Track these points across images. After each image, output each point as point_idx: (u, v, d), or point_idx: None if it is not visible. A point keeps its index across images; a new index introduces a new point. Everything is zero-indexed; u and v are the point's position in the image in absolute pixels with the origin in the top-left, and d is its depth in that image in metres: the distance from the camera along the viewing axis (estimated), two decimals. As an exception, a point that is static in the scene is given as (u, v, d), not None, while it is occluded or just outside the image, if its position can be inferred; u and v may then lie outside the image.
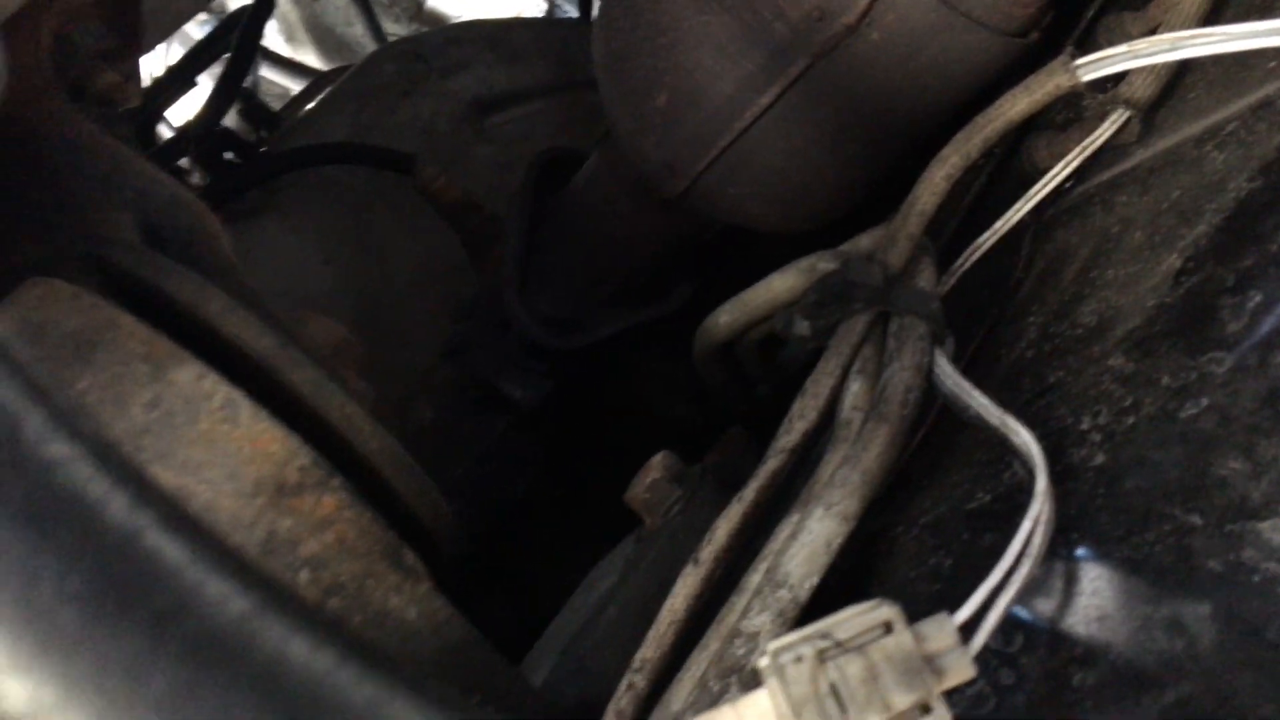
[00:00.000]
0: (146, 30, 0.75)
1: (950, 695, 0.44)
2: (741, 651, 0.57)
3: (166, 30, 0.93)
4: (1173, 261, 0.63)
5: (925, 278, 0.68)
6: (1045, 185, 0.75)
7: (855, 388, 0.66)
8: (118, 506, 0.22)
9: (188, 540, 0.22)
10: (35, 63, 0.61)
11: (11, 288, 0.57)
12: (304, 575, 0.49)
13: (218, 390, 0.49)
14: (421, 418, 1.21)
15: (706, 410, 1.08)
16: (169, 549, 0.22)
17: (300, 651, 0.22)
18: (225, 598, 0.22)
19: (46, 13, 0.62)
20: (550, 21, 1.95)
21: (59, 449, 0.23)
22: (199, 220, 0.62)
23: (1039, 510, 0.52)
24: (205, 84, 1.49)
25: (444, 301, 1.25)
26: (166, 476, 0.47)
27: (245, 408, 0.50)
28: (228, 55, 1.38)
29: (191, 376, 0.49)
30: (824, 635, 0.43)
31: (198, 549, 0.22)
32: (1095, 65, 0.65)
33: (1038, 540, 0.51)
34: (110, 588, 0.21)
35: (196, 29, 1.85)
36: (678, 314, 1.11)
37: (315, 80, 1.70)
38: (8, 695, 0.20)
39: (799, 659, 0.42)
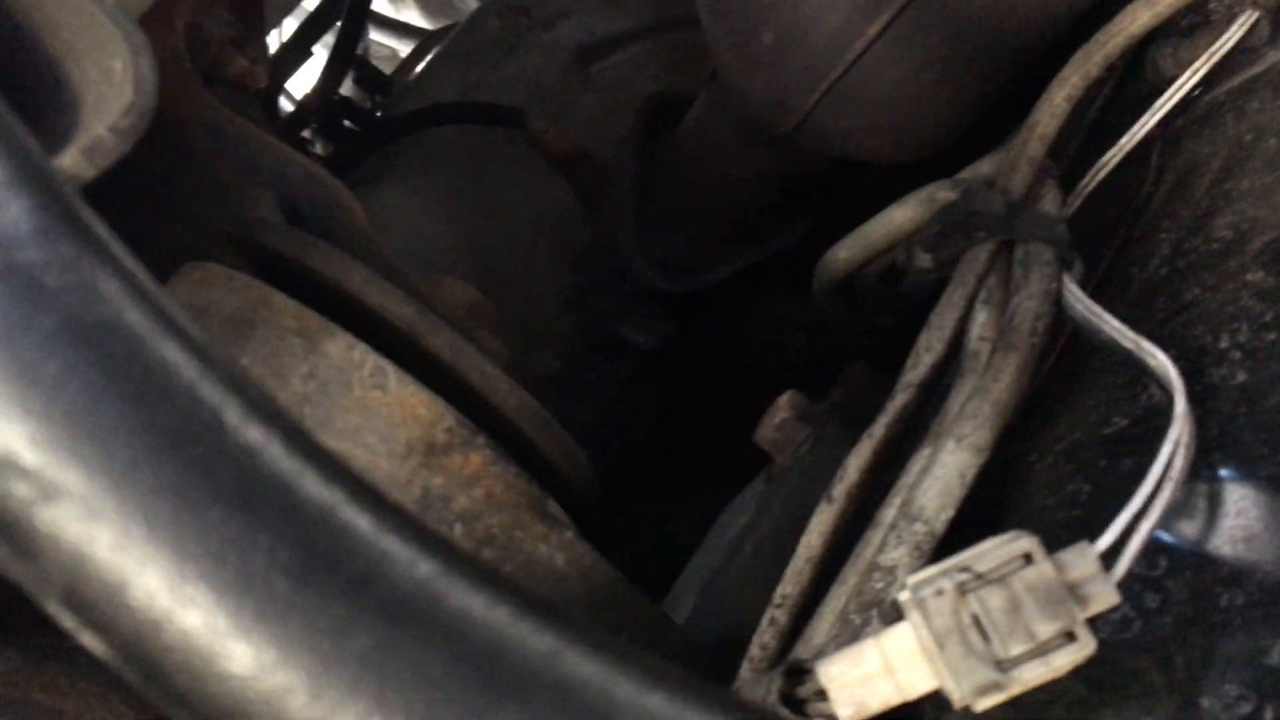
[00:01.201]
0: (269, 9, 0.78)
1: (1094, 621, 0.45)
2: (880, 585, 0.58)
3: (285, 9, 0.96)
4: (1312, 168, 0.61)
5: (1049, 201, 0.67)
6: (1172, 95, 0.72)
7: (982, 318, 0.65)
8: (313, 484, 0.24)
9: (375, 511, 0.25)
10: (172, 54, 0.65)
11: (166, 269, 0.61)
12: (458, 529, 0.52)
13: (367, 359, 0.52)
14: (546, 368, 1.24)
15: (826, 345, 1.08)
16: (359, 520, 0.24)
17: (480, 608, 0.24)
18: (411, 562, 0.24)
19: (178, 5, 0.66)
20: (647, -38, 1.93)
21: (257, 434, 0.25)
22: (334, 195, 0.65)
23: (1179, 433, 0.51)
24: (319, 53, 1.53)
25: (563, 252, 1.27)
26: (328, 443, 0.50)
27: (393, 374, 0.53)
28: (339, 24, 1.41)
29: (342, 347, 0.52)
30: (963, 568, 0.44)
31: (383, 519, 0.25)
32: (1222, -30, 0.62)
33: (1179, 463, 0.50)
34: (313, 557, 0.23)
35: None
36: (794, 250, 1.11)
37: (423, 41, 1.73)
38: (234, 656, 0.23)
39: (940, 592, 0.43)
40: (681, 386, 1.22)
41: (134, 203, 0.66)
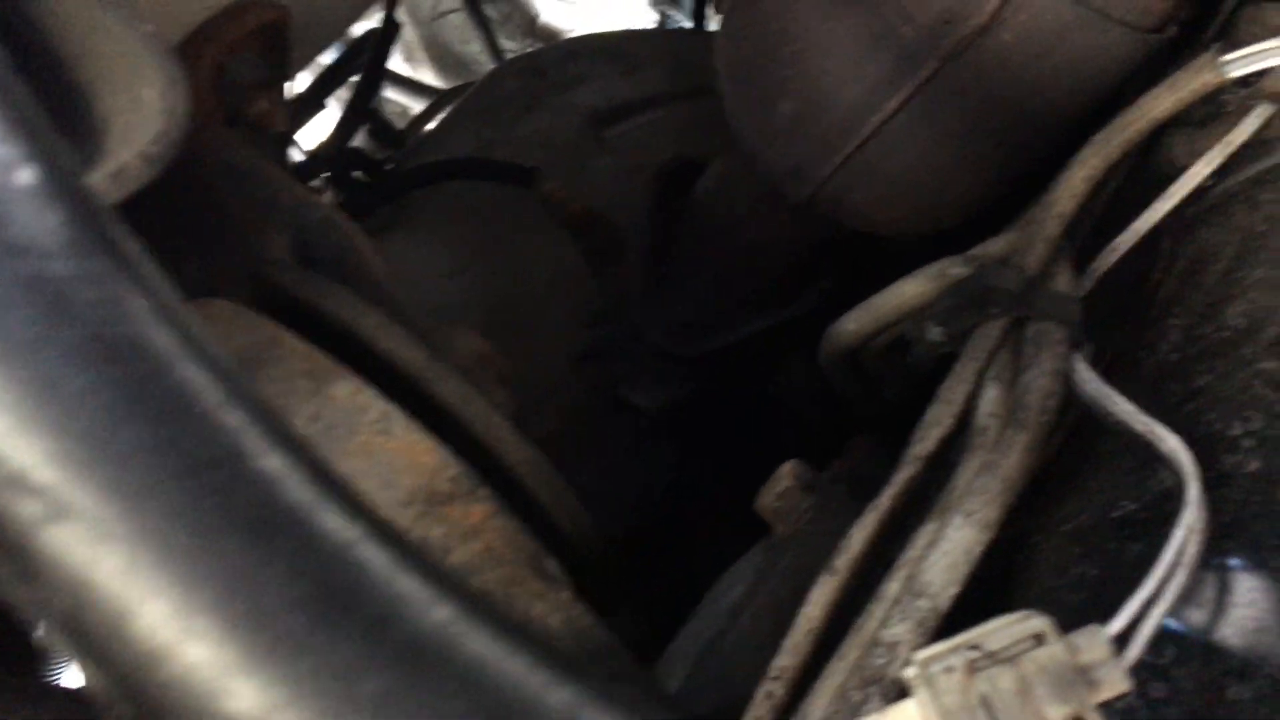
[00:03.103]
0: (294, 54, 0.79)
1: (1100, 708, 0.44)
2: (881, 661, 0.57)
3: (305, 60, 0.97)
4: (1326, 262, 0.61)
5: (1064, 280, 0.67)
6: (1187, 183, 0.73)
7: (991, 394, 0.65)
8: (332, 519, 0.24)
9: (393, 552, 0.24)
10: (199, 92, 0.65)
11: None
12: (456, 581, 0.51)
13: (373, 404, 0.52)
14: (555, 424, 1.23)
15: (838, 411, 1.07)
16: (377, 560, 0.24)
17: (497, 656, 0.23)
18: (429, 605, 0.23)
19: (206, 45, 0.66)
20: (665, 32, 1.97)
21: (277, 463, 0.24)
22: (349, 239, 0.65)
23: (1192, 518, 0.51)
24: (332, 105, 1.54)
25: (574, 309, 1.27)
26: (329, 486, 0.50)
27: (399, 420, 0.52)
28: (355, 78, 1.43)
29: (349, 391, 0.52)
30: (973, 646, 0.43)
31: (401, 560, 0.24)
32: (1244, 61, 0.63)
33: (1191, 549, 0.50)
34: (328, 595, 0.23)
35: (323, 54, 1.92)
36: (809, 315, 1.11)
37: (436, 99, 1.74)
38: (238, 694, 0.22)
39: (949, 669, 0.42)
40: (695, 447, 1.21)
41: (150, 236, 0.65)
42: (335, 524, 0.23)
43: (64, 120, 0.46)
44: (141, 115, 0.45)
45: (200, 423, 0.24)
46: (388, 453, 0.51)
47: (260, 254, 0.63)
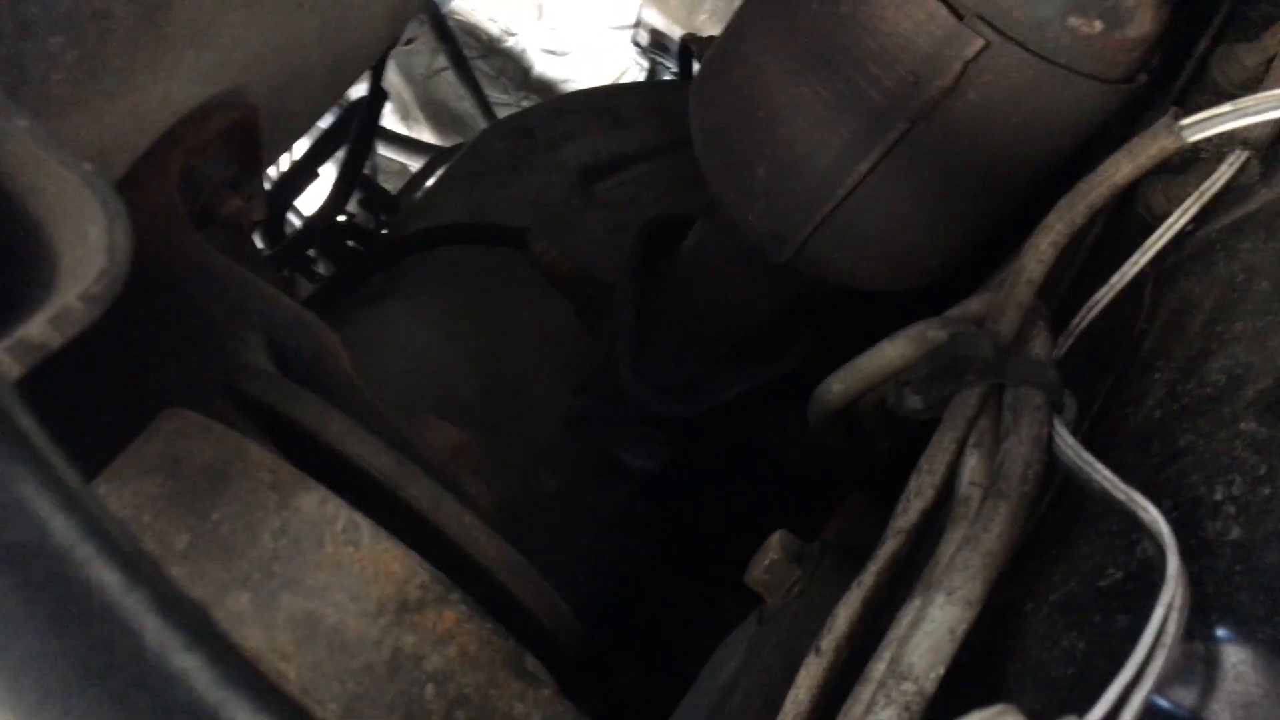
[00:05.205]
0: (267, 147, 0.80)
1: (1086, 799, 0.43)
2: (869, 747, 0.56)
3: (283, 148, 0.98)
4: (1303, 316, 0.61)
5: (1039, 344, 0.67)
6: (1163, 234, 0.72)
7: (972, 463, 0.64)
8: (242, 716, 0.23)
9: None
10: (166, 199, 0.66)
11: (157, 408, 0.61)
12: (429, 690, 0.50)
13: (340, 514, 0.52)
14: (545, 487, 1.23)
15: (829, 464, 1.07)
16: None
17: None
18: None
19: (174, 150, 0.67)
20: (653, 85, 1.98)
21: (181, 661, 0.24)
22: (319, 340, 0.65)
23: (1171, 595, 0.50)
24: (329, 169, 1.56)
25: (565, 370, 1.28)
26: (296, 602, 0.50)
27: (366, 529, 0.52)
28: (347, 145, 1.44)
29: (315, 502, 0.52)
30: (947, 745, 0.42)
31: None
32: (1200, 125, 0.63)
33: (1172, 628, 0.49)
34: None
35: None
36: (796, 371, 1.10)
37: (431, 159, 1.76)
38: None
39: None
40: (686, 507, 1.21)
41: (125, 343, 0.66)
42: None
43: (21, 253, 0.46)
44: (89, 250, 0.45)
45: (99, 625, 0.24)
46: (356, 563, 0.51)
47: (235, 356, 0.64)
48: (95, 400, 0.65)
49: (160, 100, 0.66)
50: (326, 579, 0.50)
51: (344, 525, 0.51)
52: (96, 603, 0.24)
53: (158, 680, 0.24)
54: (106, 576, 0.24)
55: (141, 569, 0.25)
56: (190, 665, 0.24)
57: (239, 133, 0.70)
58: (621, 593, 1.17)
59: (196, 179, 0.68)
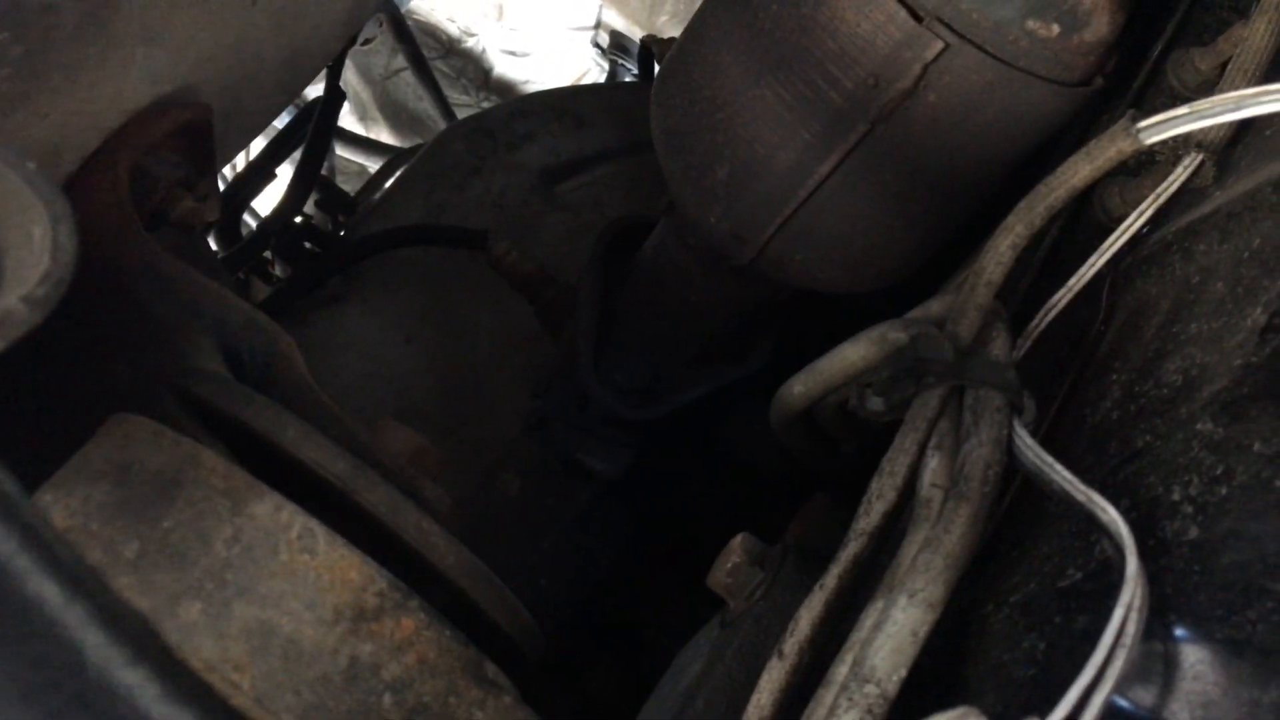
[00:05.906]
0: (221, 146, 0.78)
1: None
2: (831, 751, 0.56)
3: (237, 147, 0.96)
4: (1257, 317, 0.61)
5: (999, 345, 0.67)
6: (1120, 236, 0.73)
7: (934, 464, 0.64)
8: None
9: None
10: (115, 199, 0.64)
11: (103, 412, 0.59)
12: (387, 699, 0.50)
13: (295, 521, 0.51)
14: (508, 489, 1.22)
15: (794, 463, 1.07)
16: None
17: None
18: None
19: (123, 149, 0.65)
20: (614, 86, 1.97)
21: (125, 677, 0.23)
22: (272, 342, 0.64)
23: (1130, 596, 0.50)
24: (286, 171, 1.54)
25: (526, 372, 1.27)
26: (250, 611, 0.48)
27: (322, 536, 0.51)
28: (303, 145, 1.43)
29: (269, 509, 0.51)
30: (910, 749, 0.42)
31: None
32: (1157, 128, 0.63)
33: (1131, 628, 0.49)
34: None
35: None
36: (761, 372, 1.10)
37: (389, 160, 1.74)
38: None
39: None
40: (650, 508, 1.20)
41: (72, 346, 0.64)
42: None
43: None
44: (31, 251, 0.44)
45: (38, 640, 0.23)
46: (311, 571, 0.50)
47: (186, 359, 0.62)
48: (41, 405, 0.64)
49: (109, 99, 0.64)
50: (281, 587, 0.49)
51: (299, 532, 0.50)
52: (35, 617, 0.23)
53: (99, 697, 0.23)
54: (45, 589, 0.24)
55: (83, 581, 0.24)
56: (134, 681, 0.23)
57: (191, 132, 0.69)
58: (588, 594, 1.16)
59: (148, 179, 0.66)
